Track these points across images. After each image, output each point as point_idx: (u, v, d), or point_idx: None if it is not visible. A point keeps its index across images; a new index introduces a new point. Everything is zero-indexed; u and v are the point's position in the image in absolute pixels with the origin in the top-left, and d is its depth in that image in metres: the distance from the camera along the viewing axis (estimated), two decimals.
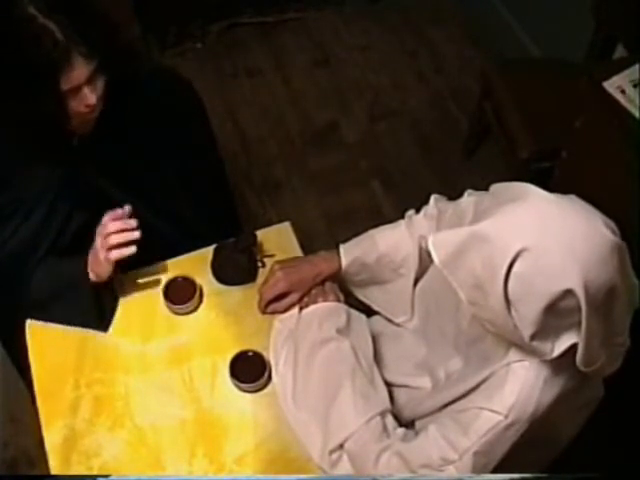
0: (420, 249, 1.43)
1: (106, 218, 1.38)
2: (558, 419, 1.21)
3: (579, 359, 1.06)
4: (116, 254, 1.38)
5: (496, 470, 1.19)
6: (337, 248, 1.49)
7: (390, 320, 1.51)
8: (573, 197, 1.07)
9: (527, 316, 1.02)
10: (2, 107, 1.27)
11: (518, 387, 1.14)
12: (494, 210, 1.05)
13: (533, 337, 1.05)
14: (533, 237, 1.00)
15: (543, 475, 1.34)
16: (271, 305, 1.49)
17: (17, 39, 1.18)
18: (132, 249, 1.38)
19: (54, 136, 1.32)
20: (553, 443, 1.31)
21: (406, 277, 1.45)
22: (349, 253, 1.47)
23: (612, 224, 1.05)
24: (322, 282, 1.48)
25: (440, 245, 1.06)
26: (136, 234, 1.37)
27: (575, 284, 0.98)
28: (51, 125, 1.29)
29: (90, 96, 1.27)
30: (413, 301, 1.47)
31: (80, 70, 1.22)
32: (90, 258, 1.42)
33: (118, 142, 1.40)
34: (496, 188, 1.15)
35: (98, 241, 1.39)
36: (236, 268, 1.54)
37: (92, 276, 1.43)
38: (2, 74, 1.22)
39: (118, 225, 1.37)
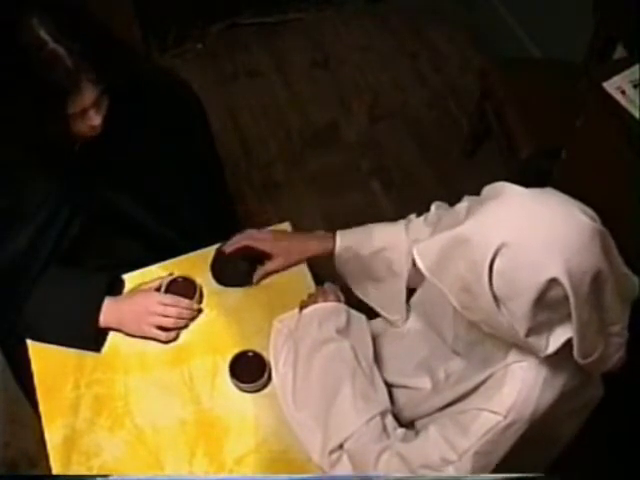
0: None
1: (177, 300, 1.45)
2: (558, 419, 1.21)
3: (576, 351, 1.06)
4: (159, 333, 1.45)
5: (496, 470, 1.19)
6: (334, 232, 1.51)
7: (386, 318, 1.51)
8: (549, 189, 1.07)
9: (517, 312, 1.02)
10: (7, 128, 1.26)
11: (517, 388, 1.14)
12: (472, 212, 1.05)
13: (528, 333, 1.05)
14: (510, 232, 1.00)
15: (543, 475, 1.34)
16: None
17: (27, 63, 1.17)
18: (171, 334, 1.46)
19: (57, 151, 1.32)
20: (553, 443, 1.31)
21: (399, 276, 1.46)
22: (344, 239, 1.49)
23: (591, 212, 1.05)
24: (308, 258, 1.51)
25: (424, 253, 1.07)
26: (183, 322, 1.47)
27: (558, 272, 0.98)
28: (54, 145, 1.29)
29: (95, 117, 1.27)
30: (408, 302, 1.47)
31: (87, 95, 1.22)
32: (125, 313, 1.45)
33: (118, 145, 1.40)
34: (483, 191, 1.15)
35: (152, 307, 1.43)
36: (235, 270, 1.54)
37: (108, 323, 1.45)
38: (9, 96, 1.22)
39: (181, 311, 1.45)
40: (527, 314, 1.02)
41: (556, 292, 1.00)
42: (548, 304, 1.02)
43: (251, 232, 1.53)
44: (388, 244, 1.46)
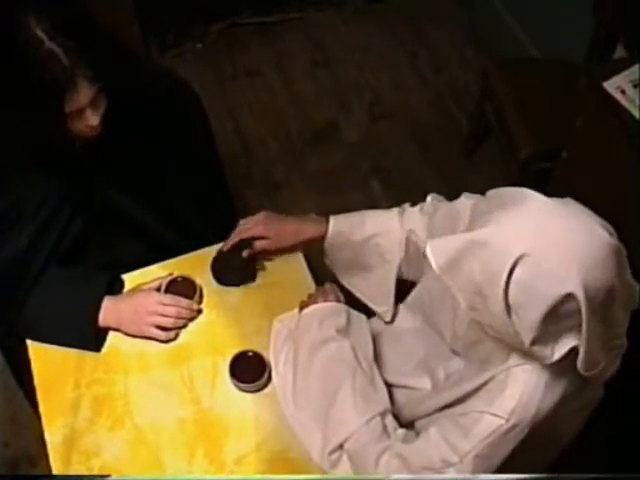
0: (407, 240, 1.43)
1: (176, 299, 1.46)
2: (559, 421, 1.21)
3: (580, 363, 1.06)
4: (159, 333, 1.45)
5: (496, 471, 1.19)
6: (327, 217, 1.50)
7: (377, 313, 1.51)
8: (569, 200, 1.06)
9: (527, 321, 1.02)
10: (7, 128, 1.26)
11: (519, 391, 1.14)
12: (492, 216, 1.04)
13: (533, 342, 1.04)
14: (532, 243, 0.99)
15: (543, 476, 1.34)
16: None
17: (23, 62, 1.17)
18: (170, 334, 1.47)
19: (57, 151, 1.33)
20: (553, 444, 1.31)
21: (390, 264, 1.46)
22: (337, 224, 1.49)
23: (609, 226, 1.05)
24: (302, 243, 1.50)
25: (438, 252, 1.06)
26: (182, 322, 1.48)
27: (576, 287, 0.97)
28: (53, 144, 1.29)
29: (92, 117, 1.27)
30: (404, 300, 1.47)
31: (84, 93, 1.22)
32: (124, 312, 1.45)
33: (118, 144, 1.40)
34: (492, 193, 1.14)
35: (152, 307, 1.44)
36: (235, 270, 1.54)
37: (108, 323, 1.45)
38: (6, 96, 1.22)
39: (182, 311, 1.47)
40: (536, 324, 1.01)
41: (570, 305, 1.00)
42: (559, 316, 1.01)
43: (242, 222, 1.52)
44: (380, 230, 1.46)
